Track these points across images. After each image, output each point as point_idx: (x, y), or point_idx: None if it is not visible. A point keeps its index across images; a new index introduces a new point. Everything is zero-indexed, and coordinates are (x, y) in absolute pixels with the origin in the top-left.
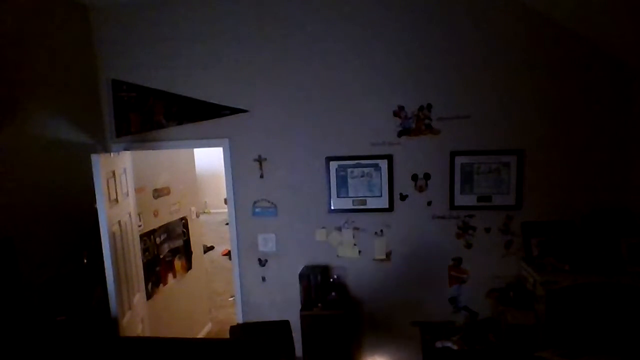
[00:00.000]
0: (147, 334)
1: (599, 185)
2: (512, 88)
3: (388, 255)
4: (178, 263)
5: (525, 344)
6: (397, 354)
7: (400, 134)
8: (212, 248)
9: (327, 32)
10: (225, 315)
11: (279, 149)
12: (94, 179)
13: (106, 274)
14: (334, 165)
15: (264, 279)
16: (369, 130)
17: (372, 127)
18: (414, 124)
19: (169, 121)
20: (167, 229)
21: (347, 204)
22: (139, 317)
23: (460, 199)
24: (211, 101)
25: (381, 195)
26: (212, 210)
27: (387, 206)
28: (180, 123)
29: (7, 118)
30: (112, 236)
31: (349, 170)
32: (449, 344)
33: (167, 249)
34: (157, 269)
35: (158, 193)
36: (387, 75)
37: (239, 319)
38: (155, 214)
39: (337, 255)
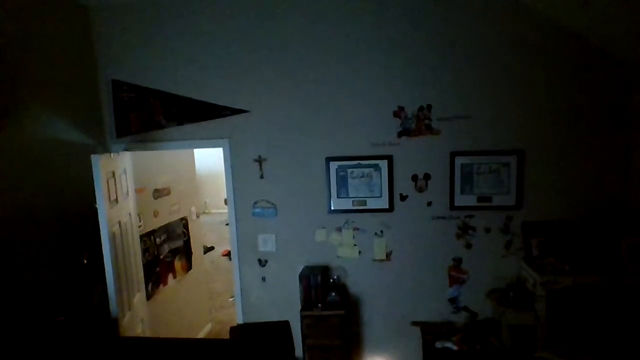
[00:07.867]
0: (147, 334)
1: (599, 185)
2: (512, 88)
3: (388, 255)
4: (178, 263)
5: (525, 344)
6: (397, 354)
7: (400, 134)
8: (212, 248)
9: (327, 32)
10: (225, 315)
11: (279, 149)
12: (94, 179)
13: (106, 274)
14: (334, 165)
15: (264, 279)
16: (369, 131)
17: (372, 127)
18: (414, 124)
19: (169, 121)
20: (167, 230)
21: (347, 204)
22: (139, 317)
23: (460, 199)
24: (211, 101)
25: (381, 196)
26: (212, 211)
27: (387, 206)
28: (180, 123)
29: (8, 118)
30: (112, 236)
31: (349, 170)
32: (449, 344)
33: (167, 250)
34: (157, 269)
35: (158, 193)
36: (387, 75)
37: (239, 319)
38: (155, 214)
39: (337, 256)
